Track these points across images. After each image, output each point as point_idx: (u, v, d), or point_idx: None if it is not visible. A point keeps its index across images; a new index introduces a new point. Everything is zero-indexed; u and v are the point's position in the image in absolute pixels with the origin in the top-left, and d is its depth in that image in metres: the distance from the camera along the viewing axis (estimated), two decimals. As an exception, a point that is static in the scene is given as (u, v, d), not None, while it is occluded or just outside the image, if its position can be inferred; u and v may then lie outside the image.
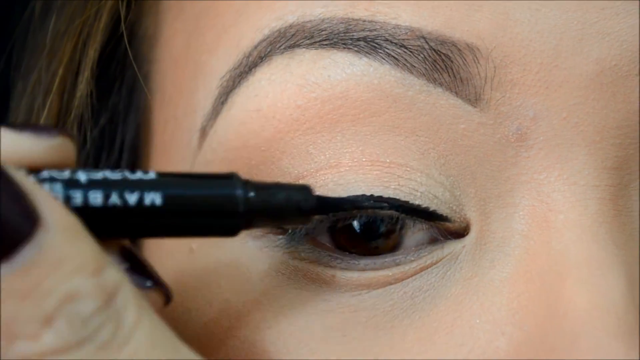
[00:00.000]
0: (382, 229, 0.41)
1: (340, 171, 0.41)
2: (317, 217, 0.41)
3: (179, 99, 0.46)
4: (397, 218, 0.41)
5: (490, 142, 0.41)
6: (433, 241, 0.41)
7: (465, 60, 0.40)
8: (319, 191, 0.41)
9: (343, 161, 0.41)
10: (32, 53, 0.50)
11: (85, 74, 0.47)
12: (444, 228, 0.41)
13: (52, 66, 0.48)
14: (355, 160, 0.41)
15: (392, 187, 0.41)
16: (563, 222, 0.40)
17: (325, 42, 0.41)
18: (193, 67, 0.45)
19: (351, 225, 0.42)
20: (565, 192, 0.40)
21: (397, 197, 0.40)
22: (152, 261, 0.46)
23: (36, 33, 0.50)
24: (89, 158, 0.48)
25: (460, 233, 0.41)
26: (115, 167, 0.48)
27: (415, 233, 0.41)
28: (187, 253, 0.44)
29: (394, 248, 0.41)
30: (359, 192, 0.41)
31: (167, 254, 0.46)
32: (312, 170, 0.41)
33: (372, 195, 0.41)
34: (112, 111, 0.48)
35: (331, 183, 0.41)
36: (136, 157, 0.48)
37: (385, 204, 0.40)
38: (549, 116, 0.40)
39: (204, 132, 0.44)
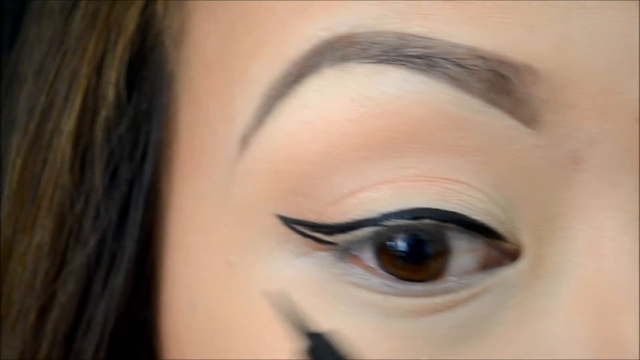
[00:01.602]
0: (429, 250, 0.41)
1: (398, 185, 0.40)
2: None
3: (212, 104, 0.44)
4: (443, 238, 0.41)
5: (544, 165, 0.40)
6: (484, 265, 0.41)
7: (524, 81, 0.40)
8: (377, 204, 0.40)
9: (399, 177, 0.40)
10: (48, 49, 0.48)
11: (113, 72, 0.45)
12: (498, 248, 0.41)
13: (73, 63, 0.46)
14: (412, 175, 0.40)
15: (453, 201, 0.40)
16: (615, 249, 0.40)
17: (378, 57, 0.40)
18: (229, 73, 0.44)
19: (396, 244, 0.41)
20: (617, 218, 0.40)
21: (457, 212, 0.40)
22: (178, 273, 0.46)
23: (55, 30, 0.48)
24: (114, 156, 0.46)
25: (513, 255, 0.41)
26: (138, 169, 0.47)
27: (462, 254, 0.41)
28: (224, 265, 0.43)
29: (439, 271, 0.41)
30: (420, 206, 0.40)
31: (198, 266, 0.44)
32: (365, 185, 0.41)
33: (433, 209, 0.40)
34: (135, 110, 0.47)
35: (388, 196, 0.40)
36: (160, 158, 0.47)
37: None
38: (604, 140, 0.40)
39: (245, 142, 0.43)
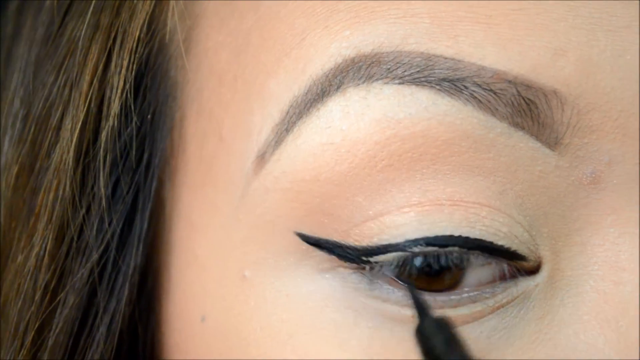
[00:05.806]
0: (445, 264, 0.41)
1: (424, 210, 0.40)
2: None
3: (225, 117, 0.43)
4: (462, 255, 0.41)
5: (564, 184, 0.41)
6: (500, 277, 0.41)
7: (550, 106, 0.40)
8: (403, 229, 0.40)
9: (424, 200, 0.40)
10: (39, 51, 0.47)
11: (119, 80, 0.44)
12: (519, 266, 0.41)
13: (73, 68, 0.45)
14: (438, 199, 0.40)
15: (478, 227, 0.40)
16: (631, 263, 0.41)
17: (404, 78, 0.40)
18: (244, 87, 0.43)
19: (413, 260, 0.41)
20: (633, 234, 0.41)
21: (483, 239, 0.40)
22: (185, 284, 0.45)
23: (49, 30, 0.46)
24: (117, 164, 0.45)
25: (532, 271, 0.41)
26: (143, 178, 0.45)
27: (479, 267, 0.41)
28: (238, 279, 0.43)
29: (455, 282, 0.41)
30: (447, 233, 0.40)
31: (209, 278, 0.44)
32: (391, 209, 0.40)
33: (459, 236, 0.40)
34: (139, 118, 0.45)
35: (415, 222, 0.40)
36: (164, 166, 0.46)
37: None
38: (624, 162, 0.41)
39: (262, 159, 0.42)
